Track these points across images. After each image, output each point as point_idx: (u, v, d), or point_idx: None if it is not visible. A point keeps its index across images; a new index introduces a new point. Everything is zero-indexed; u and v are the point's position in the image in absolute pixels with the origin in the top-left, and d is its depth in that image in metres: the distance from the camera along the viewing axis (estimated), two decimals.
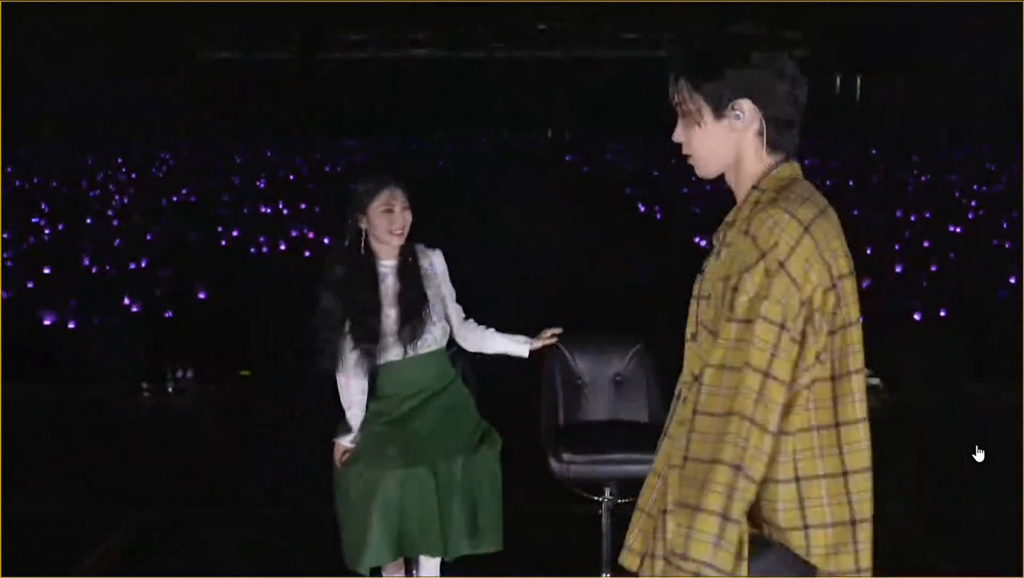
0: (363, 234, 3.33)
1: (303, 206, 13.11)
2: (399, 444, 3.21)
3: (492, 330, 3.50)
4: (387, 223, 3.29)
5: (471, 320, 3.52)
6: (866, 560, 1.87)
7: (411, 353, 3.32)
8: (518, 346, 3.49)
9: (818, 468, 1.83)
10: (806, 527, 1.83)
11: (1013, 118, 18.26)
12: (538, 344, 3.50)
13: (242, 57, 31.80)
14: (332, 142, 24.47)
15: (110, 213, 12.38)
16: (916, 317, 7.35)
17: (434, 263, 3.41)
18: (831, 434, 1.83)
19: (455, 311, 3.48)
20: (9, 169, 17.18)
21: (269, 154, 21.41)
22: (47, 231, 11.06)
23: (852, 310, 1.86)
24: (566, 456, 3.31)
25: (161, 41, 28.32)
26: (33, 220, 11.74)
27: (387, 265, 3.36)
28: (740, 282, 1.78)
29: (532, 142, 27.49)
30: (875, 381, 6.13)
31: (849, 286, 1.86)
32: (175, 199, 13.78)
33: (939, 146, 23.59)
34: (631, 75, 32.02)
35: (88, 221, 11.70)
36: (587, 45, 32.60)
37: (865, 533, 1.87)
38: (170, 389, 6.14)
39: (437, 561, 3.33)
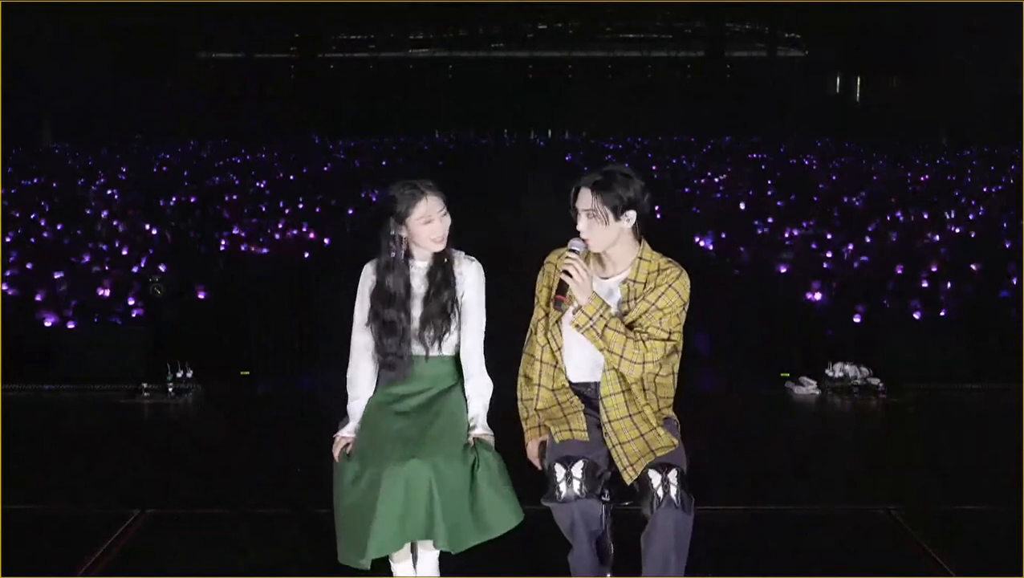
0: (403, 241, 3.34)
1: (303, 206, 13.12)
2: (401, 439, 3.22)
3: (472, 395, 3.36)
4: (428, 232, 3.32)
5: (477, 373, 3.38)
6: None
7: (432, 353, 3.35)
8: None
9: None
10: None
11: (1013, 118, 18.26)
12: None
13: (242, 57, 31.81)
14: (332, 142, 24.46)
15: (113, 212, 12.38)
16: (916, 317, 7.35)
17: (464, 273, 3.39)
18: None
19: (471, 335, 3.38)
20: (9, 169, 17.18)
21: (268, 154, 21.40)
22: (47, 231, 11.06)
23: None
24: None
25: (161, 41, 28.29)
26: (33, 219, 11.75)
27: (419, 266, 3.37)
28: None
29: (532, 142, 27.48)
30: (875, 381, 6.12)
31: None
32: (175, 199, 13.77)
33: (939, 146, 23.59)
34: (631, 75, 32.01)
35: (88, 221, 11.70)
36: (587, 45, 32.59)
37: None
38: (170, 389, 6.13)
39: (436, 555, 3.32)
